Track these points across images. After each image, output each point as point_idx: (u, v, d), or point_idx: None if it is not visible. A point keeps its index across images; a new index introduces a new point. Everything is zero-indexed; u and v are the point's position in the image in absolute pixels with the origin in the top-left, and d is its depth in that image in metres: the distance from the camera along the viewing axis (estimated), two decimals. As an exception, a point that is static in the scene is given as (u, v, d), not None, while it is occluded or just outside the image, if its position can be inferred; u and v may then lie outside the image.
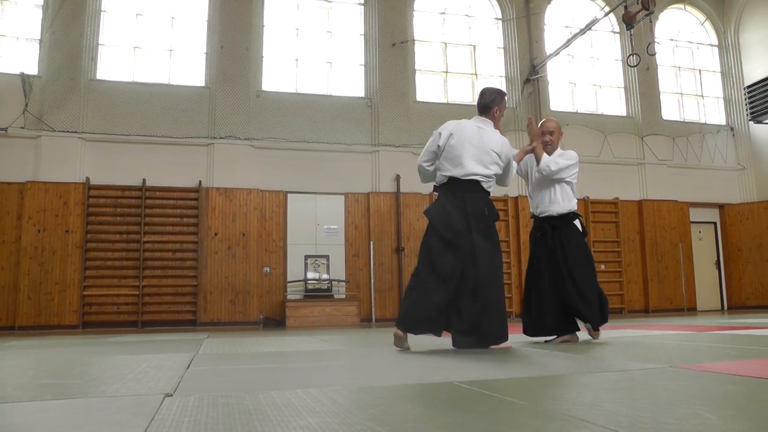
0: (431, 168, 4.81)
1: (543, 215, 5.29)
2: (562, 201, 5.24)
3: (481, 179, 4.63)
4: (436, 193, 4.90)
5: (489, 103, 4.86)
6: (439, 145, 4.72)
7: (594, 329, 5.23)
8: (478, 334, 4.48)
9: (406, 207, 13.04)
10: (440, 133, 4.76)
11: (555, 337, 5.12)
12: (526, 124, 5.36)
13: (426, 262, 4.58)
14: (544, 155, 5.24)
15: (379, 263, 12.76)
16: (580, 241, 5.24)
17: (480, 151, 4.65)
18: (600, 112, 15.21)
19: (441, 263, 4.50)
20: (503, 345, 4.55)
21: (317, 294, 12.06)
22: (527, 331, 5.22)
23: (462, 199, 4.59)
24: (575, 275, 5.07)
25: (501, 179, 4.92)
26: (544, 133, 5.35)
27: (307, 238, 12.55)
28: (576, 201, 5.35)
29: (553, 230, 5.21)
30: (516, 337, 5.38)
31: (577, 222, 5.31)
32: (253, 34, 13.08)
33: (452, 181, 4.64)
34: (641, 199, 14.85)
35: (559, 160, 5.22)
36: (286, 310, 11.56)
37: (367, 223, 12.87)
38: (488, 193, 4.73)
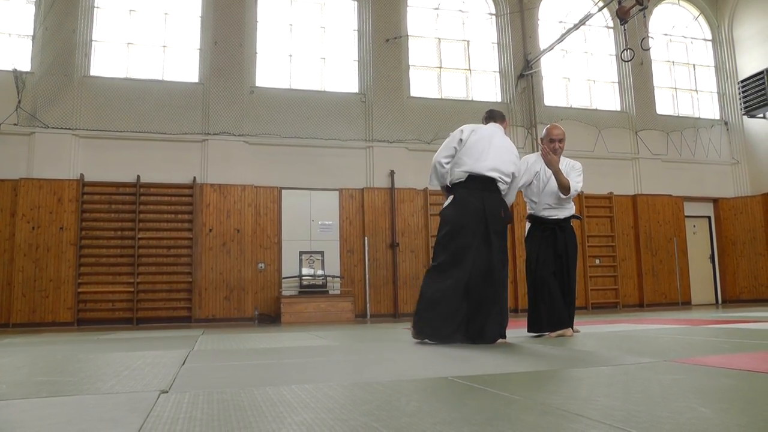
0: (449, 166, 4.82)
1: (552, 218, 5.35)
2: (568, 204, 5.41)
3: (498, 178, 4.73)
4: (445, 193, 4.98)
5: (502, 115, 5.16)
6: (461, 140, 4.80)
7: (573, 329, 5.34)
8: (480, 332, 4.53)
9: (401, 202, 13.04)
10: (462, 130, 4.87)
11: (548, 333, 5.16)
12: (543, 154, 5.27)
13: (442, 263, 4.63)
14: (569, 181, 5.30)
15: (373, 259, 12.77)
16: (576, 246, 5.47)
17: (500, 149, 4.80)
18: (594, 107, 15.23)
19: (460, 269, 4.54)
20: (499, 341, 4.58)
21: (312, 290, 12.07)
22: (536, 329, 5.23)
23: (480, 199, 4.65)
24: (571, 278, 5.32)
25: (509, 192, 4.99)
26: (553, 140, 5.34)
27: (301, 234, 12.55)
28: None
29: (561, 231, 5.34)
30: (513, 332, 5.39)
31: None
32: (246, 30, 13.05)
33: (471, 178, 4.69)
34: (635, 193, 14.88)
35: (578, 179, 5.39)
36: (281, 306, 11.57)
37: (362, 219, 12.87)
38: (501, 194, 4.82)
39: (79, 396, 2.37)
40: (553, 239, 5.31)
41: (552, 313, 5.14)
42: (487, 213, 4.63)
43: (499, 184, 4.76)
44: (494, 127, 4.97)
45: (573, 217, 5.45)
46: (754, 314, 8.50)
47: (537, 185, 5.41)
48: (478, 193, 4.67)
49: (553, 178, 5.29)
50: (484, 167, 4.69)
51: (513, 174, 4.87)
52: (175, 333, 7.93)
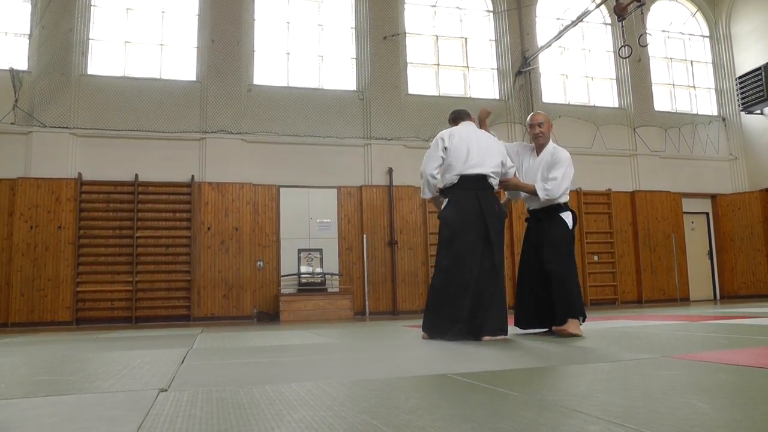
0: (439, 176, 4.92)
1: (530, 209, 5.27)
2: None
3: (489, 173, 4.83)
4: (434, 201, 5.08)
5: (467, 113, 5.21)
6: (446, 148, 4.87)
7: (562, 324, 4.84)
8: (481, 328, 4.60)
9: (399, 200, 13.04)
10: (442, 138, 4.94)
11: (547, 329, 5.11)
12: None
13: (447, 264, 4.73)
14: (537, 184, 5.09)
15: (372, 256, 12.77)
16: (561, 233, 5.05)
17: (482, 145, 4.90)
18: (592, 104, 15.23)
19: (463, 268, 4.64)
20: (499, 337, 4.61)
21: (311, 288, 12.06)
22: (519, 324, 5.23)
23: (476, 198, 4.75)
24: (550, 268, 4.97)
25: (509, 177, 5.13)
26: (532, 125, 5.28)
27: (300, 232, 12.54)
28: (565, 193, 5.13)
29: (536, 222, 5.20)
30: (511, 329, 5.39)
31: (564, 214, 5.10)
32: (244, 28, 13.03)
33: (463, 179, 4.80)
34: (634, 190, 14.89)
35: (555, 174, 5.04)
36: (280, 304, 11.57)
37: (360, 217, 12.86)
38: (494, 189, 4.91)
39: (78, 395, 2.37)
40: (529, 232, 5.27)
41: (545, 310, 5.06)
42: (484, 211, 4.72)
43: (491, 180, 4.85)
44: (467, 126, 5.07)
45: (556, 206, 5.10)
46: (753, 310, 8.51)
47: (522, 175, 5.37)
48: (472, 192, 4.77)
49: (530, 168, 5.24)
50: (473, 166, 4.79)
51: (502, 162, 4.96)
52: (174, 332, 7.93)
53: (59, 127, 11.67)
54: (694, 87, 16.38)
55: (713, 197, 15.75)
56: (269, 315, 11.97)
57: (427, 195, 4.98)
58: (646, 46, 12.18)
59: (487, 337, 4.56)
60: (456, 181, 4.82)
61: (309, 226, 12.64)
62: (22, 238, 11.19)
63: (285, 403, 2.04)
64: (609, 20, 15.49)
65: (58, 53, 11.91)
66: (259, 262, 12.26)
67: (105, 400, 2.22)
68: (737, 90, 15.51)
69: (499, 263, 4.72)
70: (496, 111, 13.96)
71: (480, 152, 4.84)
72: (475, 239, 4.65)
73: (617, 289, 14.29)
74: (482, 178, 4.81)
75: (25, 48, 11.98)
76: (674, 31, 16.40)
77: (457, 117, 5.20)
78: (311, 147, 12.87)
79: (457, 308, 4.56)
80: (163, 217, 12.03)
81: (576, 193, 13.94)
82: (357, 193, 12.96)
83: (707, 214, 15.83)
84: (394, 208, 12.97)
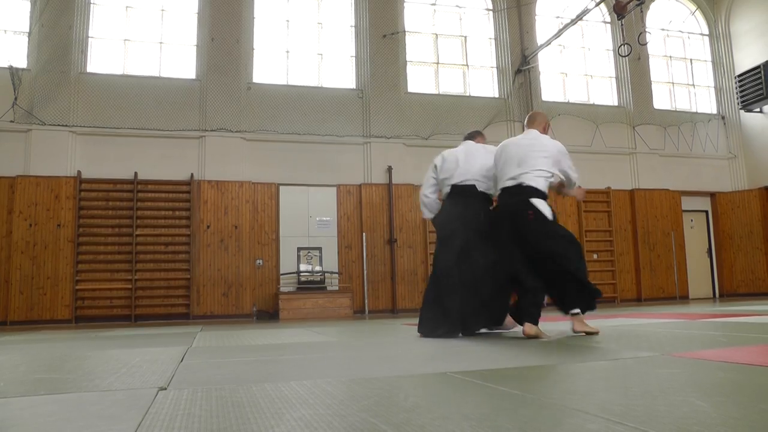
0: (433, 196, 5.34)
1: None
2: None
3: (478, 179, 5.08)
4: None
5: (473, 134, 5.53)
6: (435, 167, 5.28)
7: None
8: (468, 325, 4.79)
9: (398, 198, 13.04)
10: (434, 163, 5.35)
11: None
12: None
13: (438, 267, 5.04)
14: None
15: (371, 255, 12.77)
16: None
17: (468, 157, 5.19)
18: (591, 102, 15.22)
19: (443, 267, 4.93)
20: (496, 330, 4.82)
21: (310, 286, 12.06)
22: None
23: (462, 205, 5.04)
24: None
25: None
26: None
27: (299, 231, 12.54)
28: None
29: None
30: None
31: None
32: (243, 26, 13.02)
33: (453, 189, 5.13)
34: (633, 188, 14.89)
35: None
36: (279, 302, 11.57)
37: (360, 215, 12.86)
38: (488, 196, 5.13)
39: (77, 393, 2.37)
40: None
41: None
42: (467, 217, 4.97)
43: (480, 186, 5.07)
44: (465, 145, 5.35)
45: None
46: (751, 308, 8.51)
47: None
48: (461, 199, 5.08)
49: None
50: (460, 177, 5.10)
51: (492, 172, 5.14)
52: (173, 330, 7.93)
53: (58, 124, 11.66)
54: (693, 85, 16.38)
55: (712, 195, 15.76)
56: (268, 313, 11.97)
57: (427, 215, 5.40)
58: (646, 44, 12.19)
59: (483, 331, 4.89)
60: (449, 191, 5.16)
61: (308, 225, 12.64)
62: (21, 236, 11.19)
63: (284, 401, 2.04)
64: (608, 18, 15.48)
65: (58, 51, 11.90)
66: (258, 261, 12.26)
67: (104, 398, 2.22)
68: (736, 88, 15.52)
69: (485, 263, 4.81)
70: (496, 109, 13.97)
71: (467, 165, 5.12)
72: (460, 242, 4.87)
73: (616, 287, 14.30)
74: (470, 187, 5.06)
75: (25, 46, 11.97)
76: (673, 30, 16.40)
77: (467, 137, 5.49)
78: (311, 145, 12.87)
79: (448, 307, 4.74)
80: (163, 215, 12.03)
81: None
82: (356, 192, 12.95)
83: (706, 212, 15.84)
84: (394, 207, 12.97)
